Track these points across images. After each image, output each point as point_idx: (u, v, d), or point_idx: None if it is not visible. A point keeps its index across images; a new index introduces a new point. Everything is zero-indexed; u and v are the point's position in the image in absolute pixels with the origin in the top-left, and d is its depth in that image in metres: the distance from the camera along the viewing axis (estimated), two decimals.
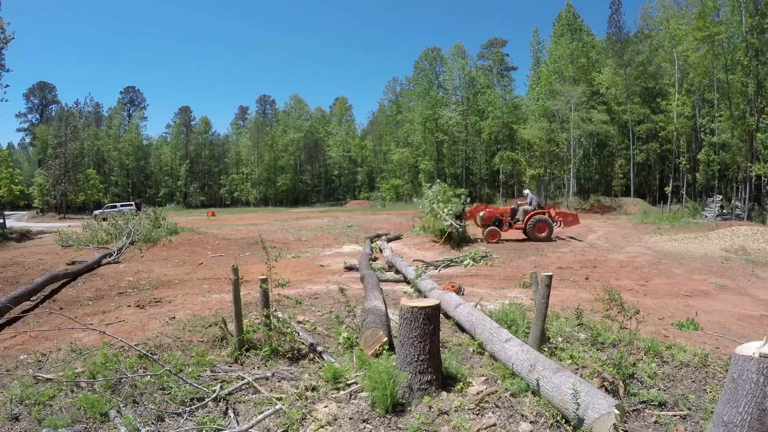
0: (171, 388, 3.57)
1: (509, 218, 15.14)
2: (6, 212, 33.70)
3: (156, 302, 7.08)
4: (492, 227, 14.77)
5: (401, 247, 14.21)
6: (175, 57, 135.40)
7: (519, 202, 16.27)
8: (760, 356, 2.10)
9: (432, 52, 56.52)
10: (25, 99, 69.56)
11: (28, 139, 73.00)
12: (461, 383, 3.60)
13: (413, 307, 3.50)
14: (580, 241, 15.39)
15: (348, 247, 14.63)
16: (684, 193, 33.14)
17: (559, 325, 5.10)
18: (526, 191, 16.51)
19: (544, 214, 15.01)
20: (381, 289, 6.34)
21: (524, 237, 15.16)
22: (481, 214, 15.09)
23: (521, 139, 46.54)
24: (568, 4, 43.47)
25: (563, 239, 15.58)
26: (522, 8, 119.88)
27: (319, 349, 4.48)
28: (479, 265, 10.82)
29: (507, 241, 14.83)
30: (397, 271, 9.34)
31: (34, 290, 7.51)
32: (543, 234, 14.71)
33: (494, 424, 3.03)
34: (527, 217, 14.86)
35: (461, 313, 4.99)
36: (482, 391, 3.46)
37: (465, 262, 10.89)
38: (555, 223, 15.30)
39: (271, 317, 4.60)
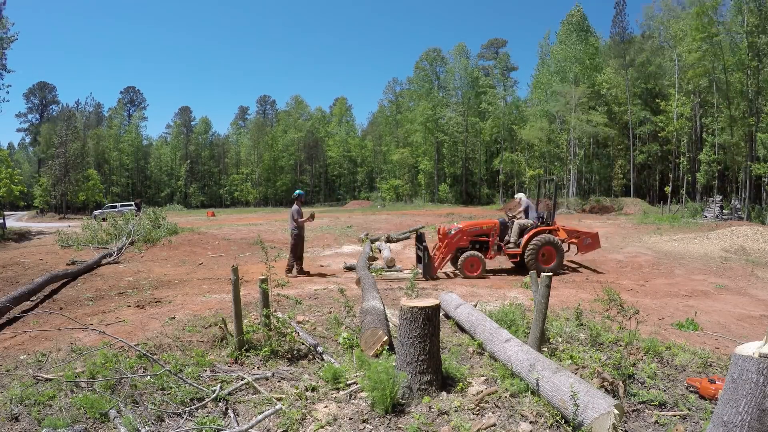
0: (171, 388, 3.57)
1: (497, 237, 9.76)
2: (6, 212, 33.69)
3: (156, 302, 7.08)
4: (471, 253, 9.40)
5: (401, 247, 14.21)
6: (175, 57, 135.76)
7: (511, 210, 11.04)
8: (760, 356, 2.10)
9: (433, 52, 56.75)
10: (25, 99, 69.71)
11: (28, 139, 73.06)
12: (461, 383, 3.60)
13: (413, 308, 3.50)
14: (600, 272, 10.30)
15: (348, 247, 14.62)
16: (684, 193, 33.16)
17: (559, 325, 5.10)
18: (520, 195, 10.66)
19: (550, 232, 9.76)
20: (377, 288, 6.34)
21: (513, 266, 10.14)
22: (454, 227, 9.67)
23: (521, 139, 46.53)
24: (577, 5, 43.18)
25: (576, 269, 10.53)
26: (522, 8, 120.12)
27: (319, 349, 4.48)
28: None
29: (494, 273, 9.88)
30: (397, 272, 9.36)
31: (33, 290, 7.51)
32: (551, 264, 9.47)
33: (494, 424, 3.03)
34: (527, 236, 9.62)
35: (461, 314, 4.99)
36: (482, 392, 3.46)
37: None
38: (567, 247, 10.29)
39: (271, 317, 4.61)
